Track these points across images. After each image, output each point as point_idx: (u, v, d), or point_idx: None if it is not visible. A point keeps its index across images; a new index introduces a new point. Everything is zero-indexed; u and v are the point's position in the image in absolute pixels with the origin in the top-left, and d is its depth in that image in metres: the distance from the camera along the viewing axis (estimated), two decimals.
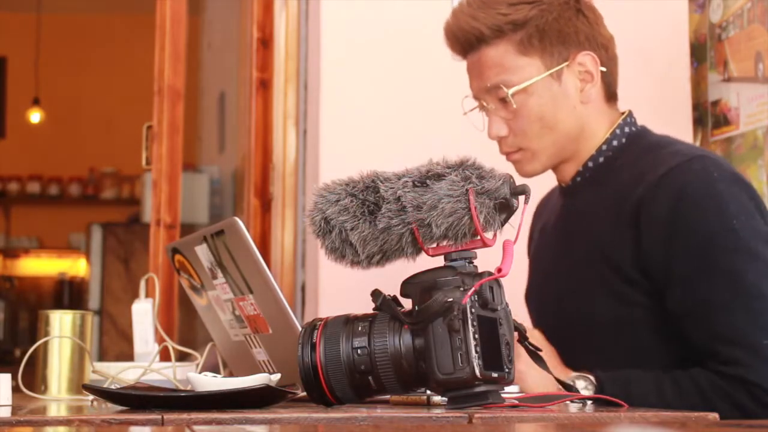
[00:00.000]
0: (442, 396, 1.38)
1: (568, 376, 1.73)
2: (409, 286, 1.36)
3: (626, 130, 1.91)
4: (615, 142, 1.90)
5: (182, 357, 2.10)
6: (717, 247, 1.71)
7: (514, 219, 1.40)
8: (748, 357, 1.66)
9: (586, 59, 1.87)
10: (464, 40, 1.90)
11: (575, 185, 1.92)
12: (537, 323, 1.96)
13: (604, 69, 1.88)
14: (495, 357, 1.32)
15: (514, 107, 1.85)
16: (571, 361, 1.82)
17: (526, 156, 1.89)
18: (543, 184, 2.03)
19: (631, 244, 1.77)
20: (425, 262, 1.37)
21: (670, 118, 2.26)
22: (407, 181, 1.34)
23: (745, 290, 1.69)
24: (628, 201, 1.79)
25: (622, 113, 1.93)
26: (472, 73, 1.91)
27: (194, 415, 1.25)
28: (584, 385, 1.70)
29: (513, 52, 1.85)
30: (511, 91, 1.84)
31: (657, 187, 1.76)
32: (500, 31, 1.85)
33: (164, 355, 1.93)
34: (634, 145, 1.89)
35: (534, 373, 1.70)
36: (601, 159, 1.89)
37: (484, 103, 1.90)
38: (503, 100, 1.86)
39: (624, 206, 1.80)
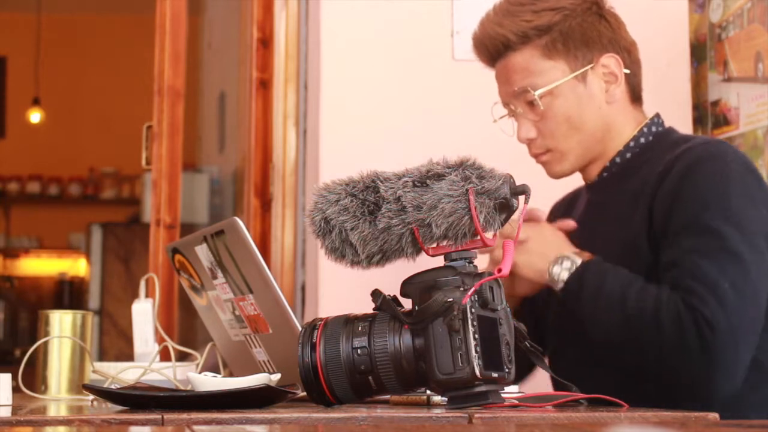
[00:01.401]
0: (442, 396, 1.38)
1: (561, 253, 1.83)
2: (409, 286, 1.36)
3: (653, 129, 1.96)
4: (642, 140, 1.95)
5: (182, 357, 2.10)
6: (709, 212, 1.77)
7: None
8: (708, 294, 1.71)
9: (610, 61, 1.93)
10: (492, 48, 1.95)
11: (601, 181, 1.97)
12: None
13: (627, 71, 1.94)
14: (495, 357, 1.32)
15: (541, 109, 1.91)
16: (591, 352, 1.86)
17: (555, 157, 1.95)
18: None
19: (647, 220, 1.83)
20: (425, 262, 1.37)
21: (670, 118, 2.25)
22: (407, 181, 1.34)
23: (724, 248, 1.74)
24: (648, 184, 1.85)
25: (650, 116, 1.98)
26: (500, 79, 1.97)
27: (194, 415, 1.25)
28: (562, 268, 1.82)
29: (538, 56, 1.91)
30: (537, 92, 1.90)
31: (674, 162, 1.83)
32: (526, 36, 1.91)
33: (164, 355, 1.93)
34: (660, 142, 1.94)
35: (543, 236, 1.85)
36: (628, 155, 1.95)
37: (513, 107, 1.95)
38: (531, 103, 1.92)
39: (645, 189, 1.85)
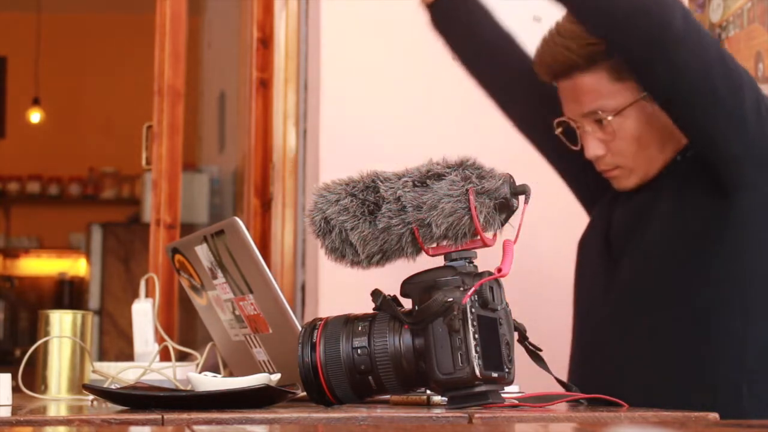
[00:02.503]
0: (442, 396, 1.38)
1: None
2: (409, 286, 1.36)
3: None
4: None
5: (182, 357, 2.10)
6: None
7: (514, 219, 1.40)
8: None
9: None
10: (558, 69, 1.97)
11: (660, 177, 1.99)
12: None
13: None
14: (495, 357, 1.32)
15: (612, 129, 1.93)
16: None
17: (623, 173, 1.98)
18: None
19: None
20: (425, 262, 1.37)
21: None
22: (407, 181, 1.34)
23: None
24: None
25: None
26: (566, 97, 1.99)
27: (194, 415, 1.25)
28: None
29: (607, 78, 1.93)
30: (610, 117, 1.92)
31: None
32: (594, 60, 1.92)
33: (164, 355, 1.93)
34: None
35: None
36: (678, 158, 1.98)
37: (579, 125, 1.97)
38: (600, 122, 1.94)
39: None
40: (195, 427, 1.20)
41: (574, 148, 2.00)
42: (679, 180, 1.92)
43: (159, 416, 1.24)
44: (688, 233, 1.87)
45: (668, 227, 1.90)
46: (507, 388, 1.42)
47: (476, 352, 1.29)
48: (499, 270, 1.33)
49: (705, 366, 1.83)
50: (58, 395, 1.78)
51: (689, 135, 1.87)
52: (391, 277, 1.44)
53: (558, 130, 2.03)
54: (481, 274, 1.34)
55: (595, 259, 2.03)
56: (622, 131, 1.93)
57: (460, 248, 1.34)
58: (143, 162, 3.19)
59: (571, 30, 1.93)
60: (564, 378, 2.03)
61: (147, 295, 2.06)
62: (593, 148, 1.96)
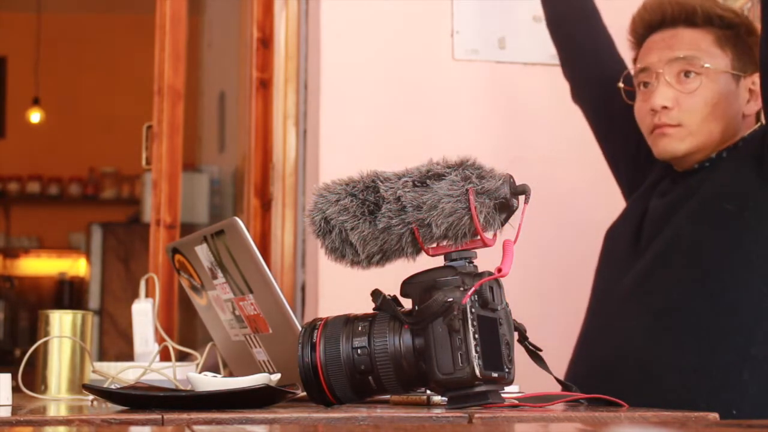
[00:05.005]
0: (442, 396, 1.38)
1: None
2: (409, 286, 1.36)
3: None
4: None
5: (182, 357, 2.10)
6: None
7: (515, 219, 1.40)
8: None
9: (758, 80, 1.96)
10: (670, 14, 2.01)
11: (699, 169, 2.01)
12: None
13: None
14: (495, 357, 1.32)
15: (694, 87, 1.95)
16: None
17: (681, 133, 1.98)
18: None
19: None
20: (425, 262, 1.37)
21: None
22: (407, 181, 1.34)
23: None
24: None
25: None
26: (657, 46, 2.01)
27: (194, 415, 1.25)
28: None
29: (711, 41, 1.98)
30: (707, 64, 1.95)
31: None
32: (709, 20, 1.98)
33: (164, 355, 1.93)
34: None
35: None
36: (724, 154, 2.00)
37: (660, 71, 1.97)
38: (686, 75, 1.96)
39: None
40: (195, 427, 1.20)
41: (629, 102, 2.02)
42: (719, 170, 1.95)
43: (159, 416, 1.24)
44: (723, 213, 1.89)
45: (704, 208, 1.92)
46: (507, 388, 1.42)
47: (476, 352, 1.29)
48: (499, 270, 1.33)
49: (709, 346, 1.84)
50: (58, 395, 1.78)
51: None
52: (391, 277, 1.44)
53: (620, 84, 2.06)
54: (481, 274, 1.34)
55: (622, 246, 2.05)
56: (703, 90, 1.95)
57: (460, 248, 1.34)
58: (143, 162, 3.19)
59: None
60: (566, 366, 2.03)
61: (147, 295, 2.06)
62: (662, 96, 1.97)
